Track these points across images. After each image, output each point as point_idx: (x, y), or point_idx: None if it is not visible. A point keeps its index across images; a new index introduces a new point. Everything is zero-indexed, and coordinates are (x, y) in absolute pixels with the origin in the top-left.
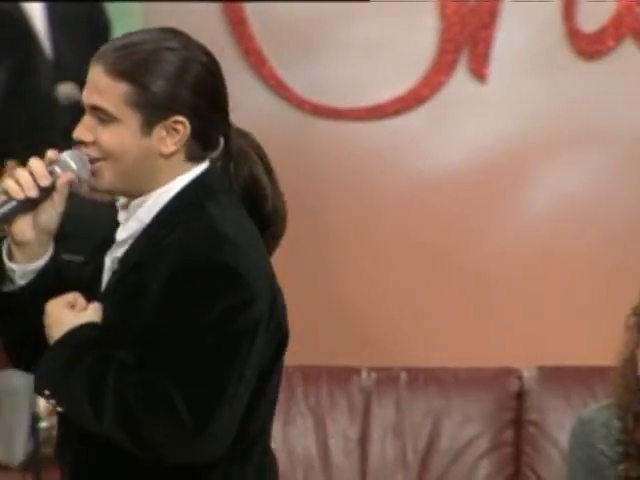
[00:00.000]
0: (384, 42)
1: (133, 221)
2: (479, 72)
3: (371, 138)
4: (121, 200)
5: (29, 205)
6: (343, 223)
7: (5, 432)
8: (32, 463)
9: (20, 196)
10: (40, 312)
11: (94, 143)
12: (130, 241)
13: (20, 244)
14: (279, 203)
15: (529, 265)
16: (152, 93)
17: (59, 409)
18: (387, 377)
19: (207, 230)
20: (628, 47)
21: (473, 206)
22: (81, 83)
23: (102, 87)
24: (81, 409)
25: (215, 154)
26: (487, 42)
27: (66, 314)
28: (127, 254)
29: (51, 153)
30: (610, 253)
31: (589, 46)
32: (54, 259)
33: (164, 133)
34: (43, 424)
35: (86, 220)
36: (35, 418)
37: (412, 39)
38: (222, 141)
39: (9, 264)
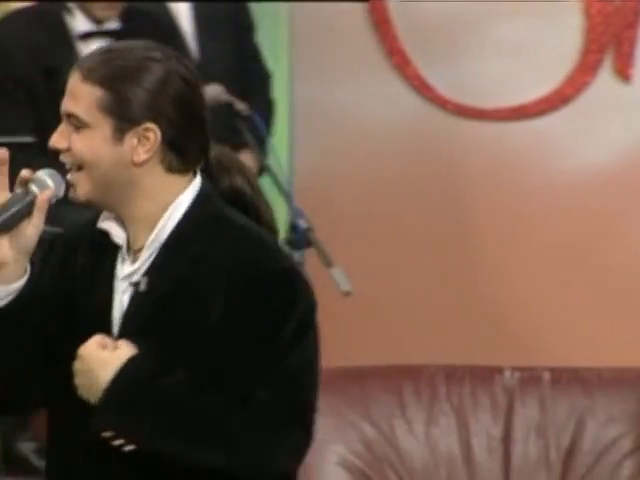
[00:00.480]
0: (528, 42)
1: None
2: (624, 72)
3: (514, 138)
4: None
5: (7, 225)
6: (485, 223)
7: None
8: None
9: None
10: (18, 336)
11: (68, 150)
12: (147, 265)
13: None
14: (268, 216)
15: None
16: (127, 100)
17: (127, 448)
18: (530, 377)
19: (250, 239)
20: None
21: (618, 207)
22: (225, 83)
23: (77, 93)
24: (169, 443)
25: (197, 167)
26: (631, 42)
27: (105, 354)
28: (154, 278)
29: (25, 172)
30: None
31: None
32: (30, 278)
33: (135, 141)
34: None
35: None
36: None
37: (556, 39)
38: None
39: None
